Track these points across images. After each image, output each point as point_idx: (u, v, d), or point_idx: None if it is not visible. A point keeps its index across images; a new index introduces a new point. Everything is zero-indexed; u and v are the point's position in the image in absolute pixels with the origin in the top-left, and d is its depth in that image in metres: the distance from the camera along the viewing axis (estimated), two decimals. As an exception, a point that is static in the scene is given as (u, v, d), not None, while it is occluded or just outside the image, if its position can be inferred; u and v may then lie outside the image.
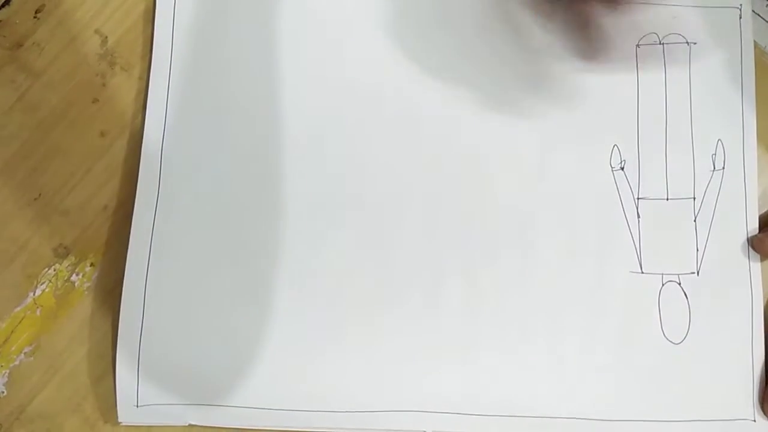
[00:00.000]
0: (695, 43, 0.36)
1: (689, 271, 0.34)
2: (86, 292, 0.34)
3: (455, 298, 0.34)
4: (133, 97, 0.36)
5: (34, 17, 0.36)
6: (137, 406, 0.33)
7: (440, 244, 0.34)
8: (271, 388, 0.33)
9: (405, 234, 0.34)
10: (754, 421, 0.33)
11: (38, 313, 0.34)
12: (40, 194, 0.35)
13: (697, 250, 0.34)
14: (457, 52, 0.36)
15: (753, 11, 0.37)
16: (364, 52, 0.36)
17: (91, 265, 0.34)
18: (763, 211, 0.36)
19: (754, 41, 0.37)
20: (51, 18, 0.36)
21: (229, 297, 0.34)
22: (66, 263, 0.34)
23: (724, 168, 0.35)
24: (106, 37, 0.36)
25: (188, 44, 0.36)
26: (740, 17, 0.37)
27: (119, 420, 0.33)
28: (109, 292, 0.34)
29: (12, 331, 0.34)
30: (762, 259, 0.35)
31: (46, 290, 0.34)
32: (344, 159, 0.35)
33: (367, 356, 0.33)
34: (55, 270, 0.34)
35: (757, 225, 0.35)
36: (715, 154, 0.35)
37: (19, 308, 0.34)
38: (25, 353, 0.34)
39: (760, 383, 0.34)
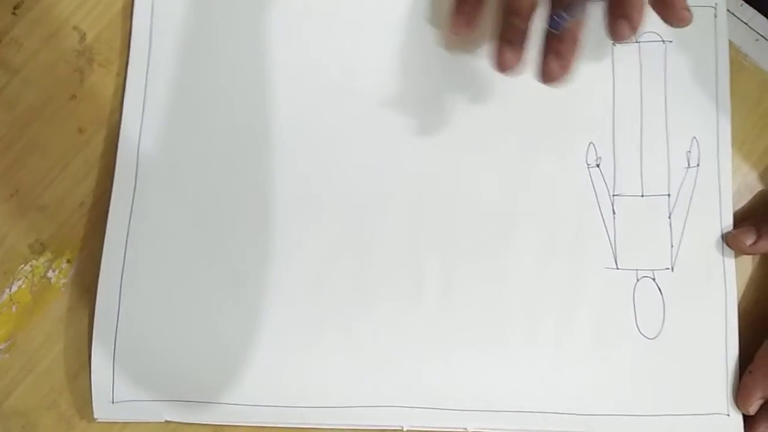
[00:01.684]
0: (671, 42, 0.37)
1: (664, 267, 0.35)
2: (62, 289, 0.34)
3: (434, 295, 0.34)
4: (111, 93, 0.36)
5: (13, 13, 0.36)
6: (113, 402, 0.33)
7: (420, 241, 0.34)
8: (249, 384, 0.33)
9: (385, 231, 0.34)
10: (728, 415, 0.33)
11: (14, 309, 0.34)
12: (17, 190, 0.35)
13: (672, 246, 0.35)
14: (435, 55, 0.36)
15: (728, 10, 0.37)
16: (348, 53, 0.36)
17: (68, 261, 0.34)
18: (737, 207, 0.36)
19: (729, 40, 0.37)
20: (29, 14, 0.36)
21: (206, 294, 0.34)
22: (42, 259, 0.34)
23: (698, 165, 0.36)
24: (85, 34, 0.36)
25: (167, 41, 0.36)
26: (715, 16, 0.37)
27: (95, 416, 0.33)
28: (86, 289, 0.34)
29: (-13, 328, 0.34)
30: (736, 256, 0.35)
31: (23, 286, 0.34)
32: (325, 157, 0.35)
33: (346, 353, 0.33)
34: (31, 266, 0.34)
35: (731, 221, 0.35)
36: (690, 151, 0.36)
37: (-6, 305, 0.34)
38: (0, 350, 0.34)
39: (734, 378, 0.34)
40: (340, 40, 0.36)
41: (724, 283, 0.35)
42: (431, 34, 0.36)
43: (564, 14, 0.30)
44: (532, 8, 0.31)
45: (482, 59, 0.36)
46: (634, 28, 0.29)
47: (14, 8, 0.36)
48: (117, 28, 0.36)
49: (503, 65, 0.32)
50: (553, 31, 0.30)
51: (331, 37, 0.36)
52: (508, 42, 0.31)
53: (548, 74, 0.31)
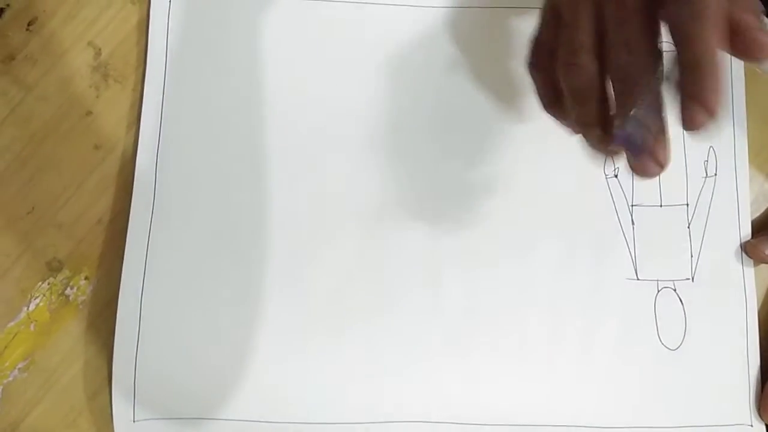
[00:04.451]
0: (686, 51, 0.37)
1: (684, 277, 0.35)
2: (81, 306, 0.34)
3: (454, 308, 0.34)
4: (127, 109, 0.36)
5: (27, 29, 0.36)
6: (134, 421, 0.32)
7: (439, 253, 0.34)
8: (271, 401, 0.33)
9: (403, 243, 0.34)
10: (751, 425, 0.33)
11: (32, 328, 0.34)
12: (33, 208, 0.35)
13: (692, 256, 0.35)
14: (452, 66, 0.36)
15: (742, 19, 0.37)
16: (362, 66, 0.36)
17: (86, 278, 0.34)
18: (755, 216, 0.36)
19: (744, 49, 0.37)
20: (44, 30, 0.36)
21: (226, 310, 0.33)
22: (60, 277, 0.34)
23: (716, 174, 0.36)
24: (100, 49, 0.36)
25: (182, 56, 0.36)
26: (729, 25, 0.37)
27: (115, 436, 0.32)
28: (104, 306, 0.34)
29: (5, 347, 0.33)
30: (755, 264, 0.35)
31: (40, 304, 0.34)
32: (341, 169, 0.35)
33: (365, 368, 0.33)
34: (49, 284, 0.34)
35: (750, 230, 0.35)
36: (707, 161, 0.36)
37: (12, 323, 0.34)
38: (19, 369, 0.33)
39: (757, 388, 0.34)
40: (360, 54, 0.36)
41: (744, 292, 0.35)
42: (444, 50, 0.36)
43: (626, 131, 0.24)
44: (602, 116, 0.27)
45: (501, 74, 0.36)
46: (711, 114, 0.23)
47: (28, 24, 0.36)
48: (132, 43, 0.36)
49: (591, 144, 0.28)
50: (629, 147, 0.25)
51: (352, 50, 0.36)
52: (600, 150, 0.28)
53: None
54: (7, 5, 0.36)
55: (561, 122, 0.30)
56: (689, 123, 0.23)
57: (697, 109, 0.23)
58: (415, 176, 0.35)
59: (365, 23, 0.36)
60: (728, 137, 0.36)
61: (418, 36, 0.36)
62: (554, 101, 0.30)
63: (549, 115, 0.30)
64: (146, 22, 0.36)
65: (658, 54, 0.25)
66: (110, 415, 0.32)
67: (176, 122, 0.35)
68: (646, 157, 0.25)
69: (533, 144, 0.35)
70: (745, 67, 0.37)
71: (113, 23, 0.36)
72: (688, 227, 0.35)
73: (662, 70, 0.25)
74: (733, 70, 0.37)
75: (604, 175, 0.35)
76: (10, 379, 0.33)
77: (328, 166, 0.35)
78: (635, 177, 0.26)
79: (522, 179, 0.35)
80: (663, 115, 0.25)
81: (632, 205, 0.35)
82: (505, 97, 0.36)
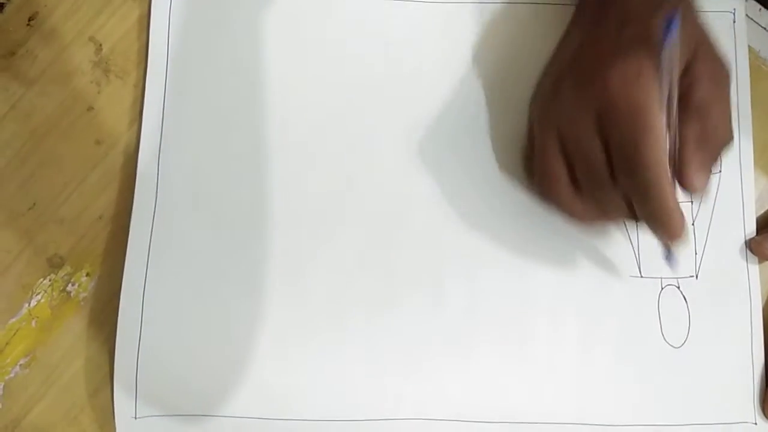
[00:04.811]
0: (690, 48, 0.36)
1: (688, 275, 0.34)
2: (82, 303, 0.34)
3: (456, 306, 0.34)
4: (128, 105, 0.36)
5: (28, 25, 0.36)
6: (135, 418, 0.32)
7: (440, 250, 0.34)
8: (271, 398, 0.33)
9: (404, 242, 0.34)
10: (755, 423, 0.33)
11: (33, 324, 0.34)
12: (34, 203, 0.35)
13: (696, 253, 0.35)
14: (454, 62, 0.36)
15: (747, 15, 0.37)
16: (365, 61, 0.36)
17: (87, 275, 0.34)
18: (760, 213, 0.36)
19: (749, 45, 0.37)
20: (44, 25, 0.36)
21: (228, 307, 0.33)
22: (61, 273, 0.34)
23: (720, 171, 0.35)
24: (101, 45, 0.36)
25: (184, 51, 0.35)
26: (734, 21, 0.37)
27: (117, 432, 0.32)
28: (106, 303, 0.34)
29: (7, 343, 0.33)
30: (760, 262, 0.35)
31: (42, 301, 0.34)
32: (343, 165, 0.35)
33: (366, 365, 0.33)
34: (50, 280, 0.34)
35: (754, 228, 0.35)
36: (712, 158, 0.36)
37: (14, 320, 0.33)
38: (20, 365, 0.33)
39: (761, 386, 0.34)
40: (365, 51, 0.36)
41: (748, 290, 0.34)
42: (452, 43, 0.36)
43: (672, 258, 0.30)
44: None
45: (506, 71, 0.36)
46: (678, 240, 0.28)
47: (29, 19, 0.36)
48: (133, 38, 0.36)
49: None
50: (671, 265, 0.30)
51: (356, 46, 0.36)
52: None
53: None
54: (8, 0, 0.36)
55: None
56: (665, 245, 0.30)
57: (665, 239, 0.29)
58: (416, 175, 0.35)
59: (367, 20, 0.36)
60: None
61: (420, 32, 0.36)
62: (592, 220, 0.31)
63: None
64: (147, 18, 0.36)
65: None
66: (112, 412, 0.32)
67: (178, 118, 0.35)
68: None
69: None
70: (749, 66, 0.36)
71: (114, 18, 0.36)
72: (693, 224, 0.35)
73: None
74: (738, 67, 0.36)
75: (607, 172, 0.35)
76: (12, 375, 0.33)
77: (329, 163, 0.35)
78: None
79: (525, 176, 0.35)
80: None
81: (636, 203, 0.35)
82: (509, 94, 0.36)
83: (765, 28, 0.38)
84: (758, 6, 0.38)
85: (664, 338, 0.34)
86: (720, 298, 0.34)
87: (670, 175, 0.27)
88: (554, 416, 0.33)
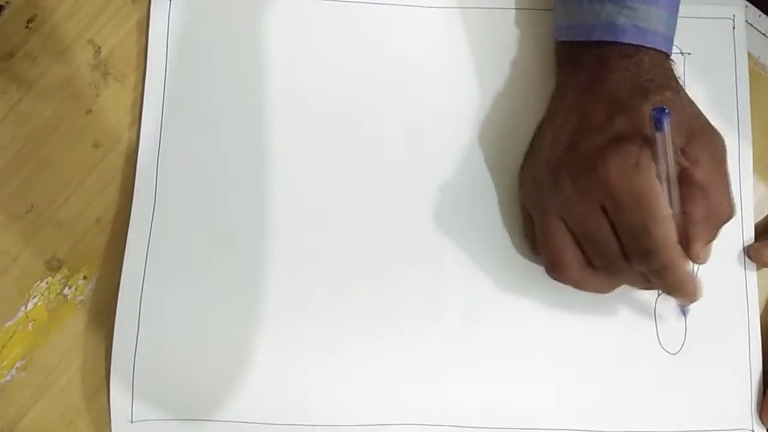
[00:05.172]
0: (689, 54, 0.36)
1: (686, 281, 0.34)
2: (79, 306, 0.34)
3: (455, 313, 0.34)
4: (127, 107, 0.36)
5: (26, 27, 0.36)
6: (132, 422, 0.32)
7: (439, 255, 0.34)
8: (268, 402, 0.33)
9: (403, 245, 0.34)
10: (752, 431, 0.33)
11: (30, 327, 0.33)
12: (32, 206, 0.35)
13: (694, 259, 0.35)
14: (455, 66, 0.36)
15: (746, 21, 0.37)
16: (362, 66, 0.36)
17: (84, 278, 0.34)
18: (758, 219, 0.36)
19: (748, 51, 0.37)
20: (43, 28, 0.36)
21: (226, 311, 0.33)
22: (59, 276, 0.34)
23: (719, 178, 0.35)
24: (100, 47, 0.36)
25: (183, 54, 0.35)
26: (734, 27, 0.37)
27: (113, 436, 0.32)
28: (103, 306, 0.34)
29: (3, 346, 0.33)
30: (758, 268, 0.35)
31: (39, 304, 0.34)
32: (343, 171, 0.35)
33: (365, 369, 0.33)
34: (47, 283, 0.34)
35: (753, 234, 0.35)
36: (711, 164, 0.35)
37: (10, 322, 0.33)
38: (16, 368, 0.33)
39: (758, 393, 0.34)
40: (360, 53, 0.36)
41: (746, 296, 0.34)
42: (452, 47, 0.36)
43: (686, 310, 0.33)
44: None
45: (506, 75, 0.36)
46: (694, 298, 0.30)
47: (28, 22, 0.36)
48: (132, 41, 0.36)
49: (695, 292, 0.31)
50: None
51: (352, 49, 0.36)
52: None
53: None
54: (7, 2, 0.36)
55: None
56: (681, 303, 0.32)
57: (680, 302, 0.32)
58: (415, 178, 0.35)
59: (367, 23, 0.36)
60: (732, 141, 0.36)
61: (420, 36, 0.36)
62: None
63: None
64: (146, 20, 0.36)
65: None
66: (108, 416, 0.32)
67: (177, 120, 0.35)
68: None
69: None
70: (749, 72, 0.36)
71: (113, 21, 0.36)
72: (691, 231, 0.35)
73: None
74: (737, 73, 0.36)
75: (606, 178, 0.35)
76: (8, 378, 0.33)
77: (328, 166, 0.35)
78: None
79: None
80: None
81: (634, 208, 0.35)
82: (508, 97, 0.35)
83: (765, 35, 0.38)
84: (758, 12, 0.38)
85: (661, 345, 0.34)
86: (717, 305, 0.34)
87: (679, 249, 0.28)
88: (552, 421, 0.33)
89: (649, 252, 0.28)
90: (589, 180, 0.28)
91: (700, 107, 0.36)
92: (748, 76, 0.36)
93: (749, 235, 0.35)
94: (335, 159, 0.35)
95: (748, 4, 0.37)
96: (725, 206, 0.30)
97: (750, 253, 0.35)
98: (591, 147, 0.29)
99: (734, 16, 0.37)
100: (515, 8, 0.36)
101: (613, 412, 0.33)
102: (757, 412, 0.33)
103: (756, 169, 0.36)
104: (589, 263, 0.30)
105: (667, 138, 0.28)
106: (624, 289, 0.34)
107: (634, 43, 0.30)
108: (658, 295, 0.34)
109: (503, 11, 0.36)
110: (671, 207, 0.28)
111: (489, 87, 0.36)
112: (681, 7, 0.36)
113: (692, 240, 0.29)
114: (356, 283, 0.34)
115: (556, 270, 0.31)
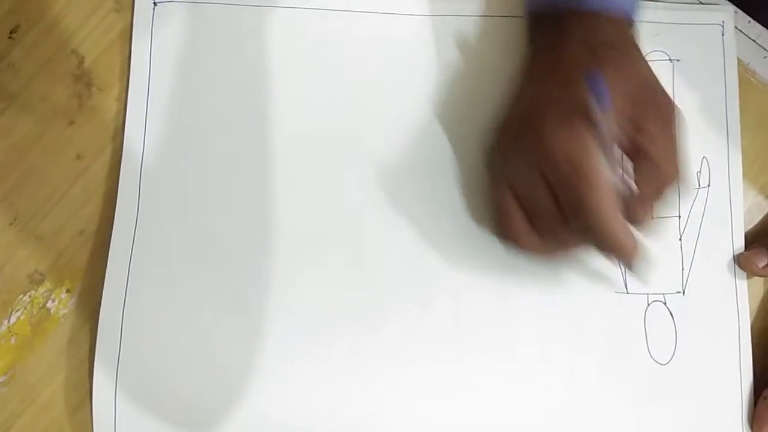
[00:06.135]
0: (678, 60, 0.36)
1: (675, 291, 0.34)
2: (62, 319, 0.33)
3: (442, 323, 0.33)
4: (110, 118, 0.35)
5: (9, 38, 0.36)
6: (115, 437, 0.32)
7: (428, 267, 0.34)
8: (254, 416, 0.32)
9: (392, 256, 0.34)
10: (743, 442, 0.33)
11: (13, 341, 0.33)
12: (15, 219, 0.34)
13: (683, 269, 0.34)
14: (449, 74, 0.36)
15: (736, 27, 0.37)
16: (353, 81, 0.35)
17: (67, 291, 0.34)
18: (748, 228, 0.35)
19: (738, 57, 0.36)
20: (26, 38, 0.36)
21: (209, 326, 0.33)
22: (41, 289, 0.34)
23: (709, 186, 0.35)
24: (83, 58, 0.36)
25: (167, 64, 0.35)
26: (723, 34, 0.37)
27: (96, 451, 0.32)
28: (86, 319, 0.33)
29: (-14, 360, 0.33)
30: (748, 277, 0.34)
31: (21, 318, 0.33)
32: (331, 181, 0.34)
33: (353, 383, 0.33)
34: (30, 297, 0.34)
35: (743, 243, 0.35)
36: (700, 172, 0.35)
37: (-7, 336, 0.33)
38: (-1, 383, 0.33)
39: (749, 403, 0.33)
40: (347, 61, 0.35)
41: (736, 306, 0.34)
42: (448, 56, 0.36)
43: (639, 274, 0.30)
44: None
45: (498, 83, 0.35)
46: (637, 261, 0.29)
47: (10, 32, 0.36)
48: (116, 51, 0.36)
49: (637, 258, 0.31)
50: None
51: (337, 57, 0.35)
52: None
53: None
54: (-10, 13, 0.36)
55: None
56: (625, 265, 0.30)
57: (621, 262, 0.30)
58: (405, 187, 0.34)
59: (358, 31, 0.35)
60: (722, 148, 0.36)
61: (415, 44, 0.36)
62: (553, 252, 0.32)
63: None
64: (130, 31, 0.35)
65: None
66: (91, 430, 0.32)
67: (161, 131, 0.34)
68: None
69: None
70: (739, 78, 0.36)
71: (97, 31, 0.36)
72: (680, 239, 0.34)
73: None
74: (726, 80, 0.36)
75: (594, 187, 0.35)
76: (-9, 393, 0.33)
77: (314, 179, 0.34)
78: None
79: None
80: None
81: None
82: (495, 104, 0.35)
83: (754, 40, 0.37)
84: (747, 18, 0.37)
85: (651, 355, 0.33)
86: (707, 314, 0.34)
87: (618, 207, 0.28)
88: (540, 431, 0.33)
89: (582, 213, 0.28)
90: (534, 148, 0.29)
91: (688, 114, 0.36)
92: (737, 82, 0.36)
93: (739, 244, 0.35)
94: (321, 172, 0.34)
95: (738, 9, 0.37)
96: (669, 167, 0.30)
97: (740, 261, 0.34)
98: (540, 118, 0.30)
99: (723, 22, 0.37)
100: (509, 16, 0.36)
101: (602, 422, 0.33)
102: (748, 422, 0.33)
103: (746, 176, 0.36)
104: (533, 227, 0.31)
105: (604, 103, 0.28)
106: (614, 298, 0.34)
107: (594, 8, 0.30)
108: (648, 304, 0.34)
109: (503, 19, 0.36)
110: (614, 171, 0.29)
111: (487, 97, 0.35)
112: (670, 13, 0.36)
113: (636, 201, 0.29)
114: (343, 295, 0.33)
115: (500, 230, 0.32)
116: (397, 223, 0.34)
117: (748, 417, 0.33)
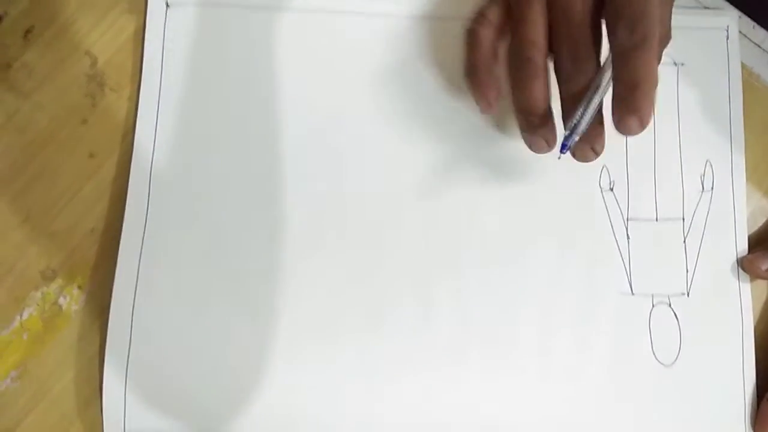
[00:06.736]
0: (683, 64, 0.37)
1: (679, 292, 0.34)
2: (74, 316, 0.34)
3: (444, 325, 0.34)
4: (123, 118, 0.36)
5: (24, 38, 0.36)
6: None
7: (430, 266, 0.34)
8: (262, 414, 0.33)
9: (394, 255, 0.34)
10: (746, 443, 0.33)
11: (25, 337, 0.34)
12: (27, 216, 0.35)
13: (687, 270, 0.35)
14: (451, 75, 0.36)
15: (740, 32, 0.37)
16: (361, 83, 0.36)
17: (79, 287, 0.34)
18: (752, 231, 0.36)
19: (742, 62, 0.37)
20: (41, 39, 0.36)
21: (220, 320, 0.33)
22: (53, 286, 0.34)
23: (713, 189, 0.35)
24: (96, 58, 0.36)
25: (178, 65, 0.36)
26: (727, 38, 0.37)
27: (106, 446, 0.32)
28: (97, 316, 0.34)
29: (-2, 356, 0.33)
30: (752, 280, 0.35)
31: (33, 314, 0.34)
32: (340, 183, 0.35)
33: (356, 383, 0.33)
34: (42, 293, 0.34)
35: (746, 245, 0.35)
36: (704, 175, 0.36)
37: (5, 332, 0.34)
38: (11, 378, 0.33)
39: (752, 405, 0.33)
40: (357, 59, 0.36)
41: (740, 308, 0.34)
42: (448, 58, 0.36)
43: (567, 142, 0.30)
44: (545, 103, 0.30)
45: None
46: (645, 124, 0.27)
47: (26, 33, 0.36)
48: (128, 52, 0.36)
49: (539, 152, 0.32)
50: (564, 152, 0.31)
51: (350, 60, 0.36)
52: (534, 133, 0.31)
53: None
54: (5, 13, 0.36)
55: (475, 91, 0.33)
56: (626, 130, 0.28)
57: (633, 120, 0.27)
58: (406, 187, 0.35)
59: (362, 33, 0.36)
60: (725, 151, 0.36)
61: (416, 45, 0.36)
62: (480, 71, 0.32)
63: (467, 82, 0.33)
64: (142, 32, 0.36)
65: (597, 65, 0.29)
66: (101, 426, 0.32)
67: (171, 131, 0.35)
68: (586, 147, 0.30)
69: (528, 156, 0.35)
70: (743, 83, 0.36)
71: (110, 32, 0.36)
72: (684, 242, 0.35)
73: (600, 79, 0.29)
74: (731, 84, 0.36)
75: (599, 189, 0.35)
76: (2, 388, 0.33)
77: (320, 178, 0.35)
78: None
79: (516, 192, 0.35)
80: (599, 113, 0.30)
81: (628, 219, 0.35)
82: (501, 112, 0.36)
83: (758, 45, 0.38)
84: (752, 23, 0.38)
85: (655, 356, 0.34)
86: (711, 316, 0.34)
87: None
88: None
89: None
90: None
91: (692, 118, 0.36)
92: (741, 86, 0.36)
93: (743, 246, 0.35)
94: (326, 171, 0.35)
95: (742, 14, 0.38)
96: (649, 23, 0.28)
97: (744, 264, 0.35)
98: None
99: (728, 26, 0.37)
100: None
101: (606, 423, 0.33)
102: (751, 424, 0.33)
103: (749, 180, 0.36)
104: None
105: None
106: (619, 299, 0.34)
107: None
108: (653, 306, 0.34)
109: None
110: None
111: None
112: (674, 17, 0.37)
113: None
114: (346, 296, 0.34)
115: (473, 22, 0.32)
116: (403, 223, 0.34)
117: (751, 418, 0.33)
